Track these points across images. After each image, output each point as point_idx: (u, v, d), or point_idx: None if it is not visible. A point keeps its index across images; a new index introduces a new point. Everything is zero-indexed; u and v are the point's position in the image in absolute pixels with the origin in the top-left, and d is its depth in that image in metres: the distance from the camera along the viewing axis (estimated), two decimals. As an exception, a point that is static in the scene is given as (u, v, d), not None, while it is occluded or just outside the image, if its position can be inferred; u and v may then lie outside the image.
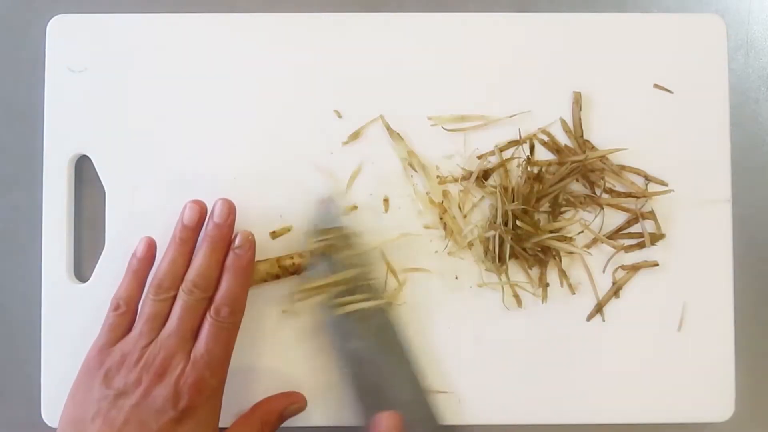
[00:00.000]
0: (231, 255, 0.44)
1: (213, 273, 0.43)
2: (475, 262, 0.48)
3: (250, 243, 0.44)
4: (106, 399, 0.40)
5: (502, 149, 0.48)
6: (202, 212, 0.45)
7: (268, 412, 0.45)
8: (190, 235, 0.45)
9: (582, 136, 0.48)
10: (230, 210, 0.45)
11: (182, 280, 0.43)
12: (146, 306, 0.43)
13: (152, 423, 0.40)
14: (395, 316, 0.47)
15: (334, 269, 0.46)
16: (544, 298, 0.47)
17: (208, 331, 0.42)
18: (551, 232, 0.47)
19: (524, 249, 0.46)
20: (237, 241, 0.44)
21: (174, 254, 0.44)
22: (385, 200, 0.48)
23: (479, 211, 0.48)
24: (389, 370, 0.45)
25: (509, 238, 0.46)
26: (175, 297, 0.43)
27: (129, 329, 0.43)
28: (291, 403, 0.45)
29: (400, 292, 0.47)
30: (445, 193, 0.48)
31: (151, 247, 0.45)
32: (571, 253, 0.47)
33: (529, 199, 0.46)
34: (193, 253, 0.44)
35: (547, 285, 0.47)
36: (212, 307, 0.43)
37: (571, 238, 0.47)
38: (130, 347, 0.42)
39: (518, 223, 0.46)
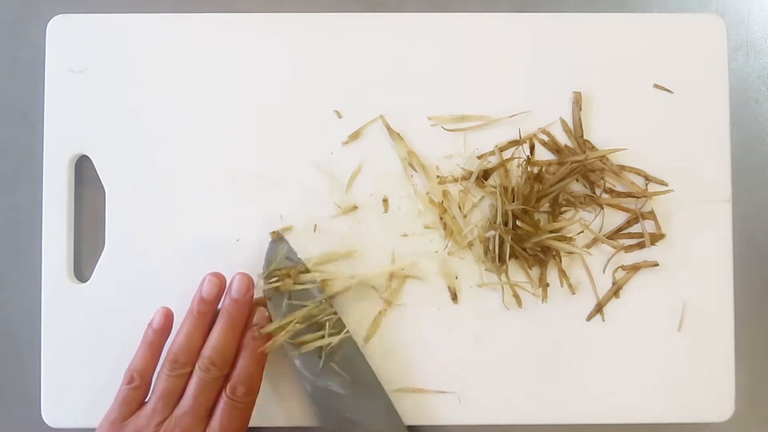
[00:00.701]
0: (249, 333, 0.44)
1: (230, 350, 0.43)
2: (475, 262, 0.48)
3: (268, 321, 0.44)
4: None
5: (502, 149, 0.48)
6: (221, 286, 0.44)
7: None
8: (208, 308, 0.44)
9: (582, 136, 0.48)
10: (249, 286, 0.44)
11: (198, 354, 0.43)
12: (161, 381, 0.42)
13: None
14: (360, 347, 0.46)
15: (291, 308, 0.45)
16: (544, 298, 0.47)
17: (223, 410, 0.42)
18: (551, 232, 0.47)
19: (524, 249, 0.46)
20: (255, 319, 0.44)
21: (190, 328, 0.43)
22: (385, 200, 0.48)
23: (479, 211, 0.48)
24: (362, 403, 0.45)
25: (509, 238, 0.46)
26: (190, 372, 0.42)
27: (142, 402, 0.43)
28: None
29: (399, 292, 0.47)
30: (445, 193, 0.48)
31: (168, 318, 0.44)
32: (571, 253, 0.47)
33: (529, 199, 0.46)
34: (209, 326, 0.44)
35: (547, 285, 0.47)
36: (228, 386, 0.42)
37: (571, 238, 0.47)
38: (144, 423, 0.41)
39: (518, 223, 0.46)
